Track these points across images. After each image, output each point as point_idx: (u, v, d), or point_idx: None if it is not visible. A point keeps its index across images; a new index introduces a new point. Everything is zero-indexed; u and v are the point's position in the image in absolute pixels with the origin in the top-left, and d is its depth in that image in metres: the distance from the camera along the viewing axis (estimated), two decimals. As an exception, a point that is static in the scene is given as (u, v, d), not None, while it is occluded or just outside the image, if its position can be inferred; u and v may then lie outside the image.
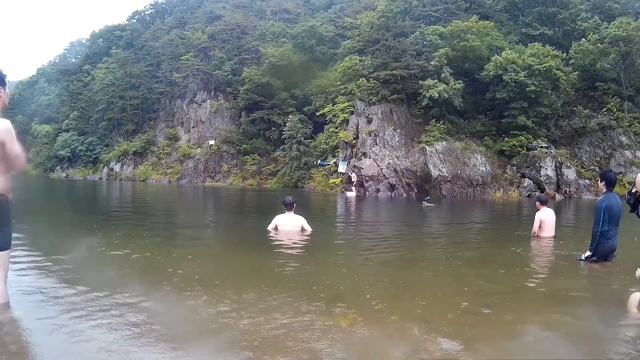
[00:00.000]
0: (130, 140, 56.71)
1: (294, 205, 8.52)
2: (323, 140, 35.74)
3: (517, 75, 27.50)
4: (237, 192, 30.71)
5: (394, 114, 31.89)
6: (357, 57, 34.33)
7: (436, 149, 28.73)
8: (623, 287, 4.61)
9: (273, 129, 44.37)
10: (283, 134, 39.87)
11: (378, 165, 29.23)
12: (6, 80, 3.50)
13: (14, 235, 3.56)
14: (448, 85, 28.99)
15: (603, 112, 30.37)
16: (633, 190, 4.11)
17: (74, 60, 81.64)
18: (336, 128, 34.19)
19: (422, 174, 28.36)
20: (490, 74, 28.77)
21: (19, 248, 5.94)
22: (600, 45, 28.76)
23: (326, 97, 37.25)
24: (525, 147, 29.23)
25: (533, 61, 27.88)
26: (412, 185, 28.52)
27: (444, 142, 29.27)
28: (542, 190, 26.98)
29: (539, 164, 28.26)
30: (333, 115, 34.63)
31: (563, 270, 5.99)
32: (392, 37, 33.77)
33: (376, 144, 30.43)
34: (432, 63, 30.67)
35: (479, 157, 29.10)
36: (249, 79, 45.30)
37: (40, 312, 3.59)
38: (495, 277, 5.46)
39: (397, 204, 21.84)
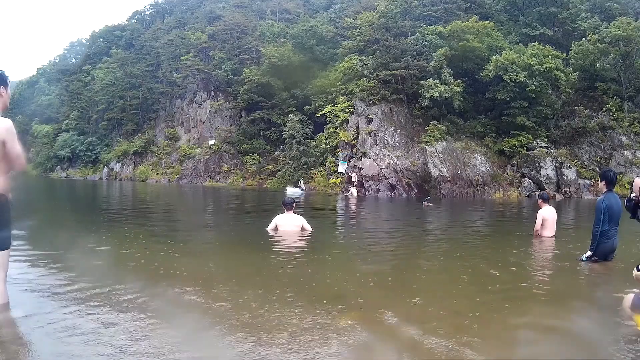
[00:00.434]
0: (130, 140, 56.71)
1: (294, 205, 8.52)
2: (323, 140, 35.74)
3: (517, 76, 27.50)
4: (237, 192, 30.71)
5: (394, 114, 31.89)
6: (357, 57, 34.33)
7: (436, 149, 28.73)
8: (622, 287, 4.60)
9: (273, 129, 44.37)
10: (283, 134, 39.87)
11: (378, 165, 29.23)
12: (8, 81, 3.50)
13: (13, 235, 3.55)
14: (449, 87, 28.99)
15: (603, 112, 30.36)
16: (632, 196, 4.10)
17: (74, 60, 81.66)
18: (336, 128, 34.18)
19: (422, 174, 28.36)
20: (490, 74, 28.77)
21: (19, 248, 5.94)
22: (600, 45, 28.75)
23: (326, 97, 37.26)
24: (525, 147, 29.23)
25: (533, 61, 27.88)
26: (412, 185, 28.52)
27: (444, 142, 29.28)
28: (542, 190, 26.97)
29: (539, 164, 28.26)
30: (333, 116, 34.63)
31: (562, 270, 5.99)
32: (392, 37, 33.78)
33: (376, 144, 30.44)
34: (431, 63, 30.67)
35: (479, 157, 29.11)
36: (249, 79, 45.31)
37: (41, 312, 3.59)
38: (494, 277, 5.46)
39: (397, 204, 21.84)
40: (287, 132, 39.02)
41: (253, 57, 49.23)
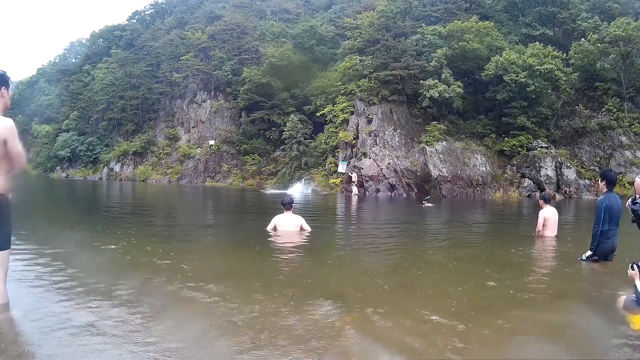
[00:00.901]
0: (130, 140, 56.69)
1: (293, 204, 8.53)
2: (323, 140, 35.73)
3: (517, 76, 27.50)
4: (237, 192, 30.70)
5: (394, 114, 31.89)
6: (357, 57, 34.30)
7: (436, 149, 28.73)
8: (621, 287, 4.60)
9: (273, 129, 44.35)
10: (283, 134, 39.86)
11: (378, 165, 29.23)
12: (9, 81, 3.51)
13: (13, 235, 3.55)
14: (449, 87, 28.99)
15: (603, 112, 30.35)
16: (637, 199, 4.06)
17: (74, 60, 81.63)
18: (336, 128, 34.17)
19: (422, 174, 28.36)
20: (491, 74, 28.76)
21: (19, 248, 5.94)
22: (600, 45, 28.75)
23: (326, 97, 37.24)
24: (525, 147, 29.23)
25: (534, 62, 27.87)
26: (412, 185, 28.52)
27: (444, 142, 29.27)
28: (542, 190, 26.97)
29: (539, 164, 28.26)
30: (333, 116, 34.62)
31: (563, 270, 5.99)
32: (392, 37, 33.77)
33: (376, 144, 30.43)
34: (432, 63, 30.66)
35: (479, 157, 29.11)
36: (249, 79, 45.29)
37: (41, 312, 3.59)
38: (494, 277, 5.46)
39: (397, 204, 21.84)
40: (287, 132, 39.01)
41: (253, 57, 49.21)
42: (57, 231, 8.85)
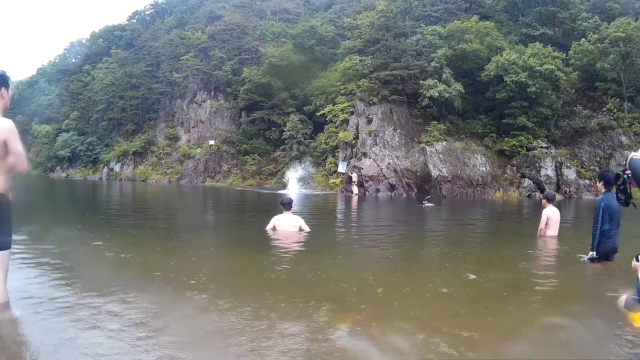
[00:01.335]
0: (130, 140, 56.70)
1: (292, 205, 8.52)
2: (323, 141, 35.74)
3: (517, 77, 27.50)
4: (237, 192, 30.71)
5: (394, 114, 31.89)
6: (357, 57, 34.32)
7: (436, 149, 28.73)
8: (622, 287, 4.60)
9: (273, 129, 44.36)
10: (283, 134, 39.87)
11: (378, 165, 29.23)
12: (10, 81, 3.50)
13: (14, 235, 3.55)
14: (449, 86, 28.99)
15: (603, 112, 30.36)
16: (625, 173, 3.99)
17: (74, 60, 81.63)
18: (336, 128, 34.18)
19: (422, 174, 28.36)
20: (491, 74, 28.76)
21: (19, 248, 5.94)
22: (600, 45, 28.75)
23: (326, 97, 37.26)
24: (525, 147, 29.23)
25: (534, 62, 27.86)
26: (412, 185, 28.52)
27: (444, 142, 29.27)
28: (542, 190, 26.97)
29: (539, 164, 28.26)
30: (333, 116, 34.63)
31: (563, 271, 5.99)
32: (392, 37, 33.77)
33: (376, 144, 30.43)
34: (432, 63, 30.66)
35: (479, 157, 29.11)
36: (249, 79, 45.31)
37: (41, 311, 3.59)
38: (494, 277, 5.46)
39: (397, 204, 21.84)
40: (287, 132, 39.02)
41: (253, 57, 49.21)
42: (57, 231, 8.85)
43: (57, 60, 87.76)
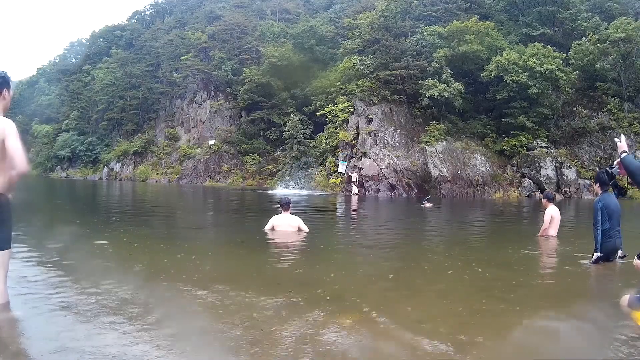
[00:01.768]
0: (130, 140, 56.72)
1: (290, 205, 8.51)
2: (323, 140, 35.74)
3: (518, 77, 27.50)
4: (237, 192, 30.71)
5: (394, 114, 31.89)
6: (357, 57, 34.33)
7: (436, 149, 28.73)
8: (623, 287, 4.61)
9: (273, 129, 44.38)
10: (283, 134, 39.88)
11: (378, 165, 29.23)
12: (10, 82, 3.49)
13: (14, 235, 3.55)
14: (449, 86, 28.98)
15: (603, 112, 30.36)
16: (615, 165, 4.00)
17: (74, 60, 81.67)
18: (336, 128, 34.18)
19: (422, 174, 28.36)
20: (491, 74, 28.76)
21: (20, 248, 5.94)
22: (600, 45, 28.75)
23: (326, 97, 37.26)
24: (525, 147, 29.24)
25: (534, 62, 27.86)
26: (412, 185, 28.52)
27: (444, 142, 29.27)
28: (542, 190, 26.97)
29: (539, 164, 28.26)
30: (333, 116, 34.63)
31: (564, 270, 5.98)
32: (392, 37, 33.77)
33: (376, 144, 30.43)
34: (432, 64, 30.66)
35: (479, 157, 29.11)
36: (249, 79, 45.32)
37: (41, 311, 3.59)
38: (494, 277, 5.46)
39: (397, 204, 21.84)
40: (288, 132, 39.02)
41: (253, 57, 49.22)
42: (57, 230, 8.84)
43: (57, 60, 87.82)
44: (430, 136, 29.56)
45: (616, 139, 4.01)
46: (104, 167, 57.35)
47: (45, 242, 7.10)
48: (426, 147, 28.79)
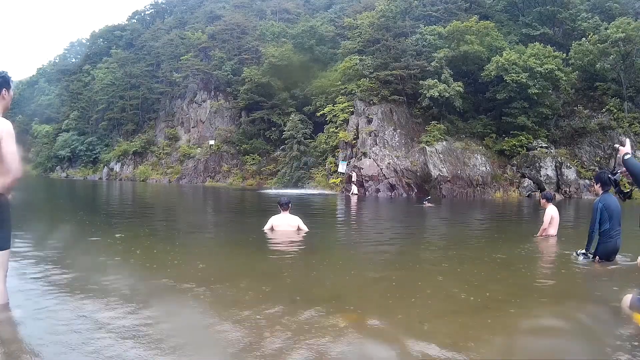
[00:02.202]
0: (130, 140, 56.74)
1: (290, 205, 8.51)
2: (323, 140, 35.75)
3: (518, 77, 27.49)
4: (237, 192, 30.71)
5: (394, 114, 31.88)
6: (357, 57, 34.35)
7: (436, 149, 28.72)
8: (623, 287, 4.60)
9: (273, 129, 44.38)
10: (283, 134, 39.89)
11: (378, 165, 29.22)
12: (11, 82, 3.47)
13: (13, 235, 3.55)
14: (449, 86, 28.98)
15: (603, 112, 30.35)
16: (624, 157, 4.01)
17: (74, 60, 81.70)
18: (336, 128, 34.19)
19: (422, 174, 28.35)
20: (491, 74, 28.75)
21: (19, 248, 5.94)
22: (600, 45, 28.74)
23: (326, 97, 37.27)
24: (525, 147, 29.23)
25: (534, 62, 27.86)
26: (412, 185, 28.51)
27: (444, 142, 29.27)
28: (542, 190, 26.97)
29: (539, 164, 28.26)
30: (333, 115, 34.63)
31: (563, 271, 5.98)
32: (392, 37, 33.77)
33: (376, 144, 30.43)
34: (432, 64, 30.66)
35: (479, 157, 29.10)
36: (249, 79, 45.33)
37: (41, 312, 3.59)
38: (494, 277, 5.46)
39: (397, 204, 21.83)
40: (287, 132, 39.03)
41: (253, 57, 49.24)
42: (57, 231, 8.84)
43: (57, 60, 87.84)
44: (430, 136, 29.55)
45: (619, 144, 4.02)
46: (104, 167, 57.37)
47: (45, 242, 7.10)
48: (426, 147, 28.79)
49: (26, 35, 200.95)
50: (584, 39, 30.21)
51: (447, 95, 28.79)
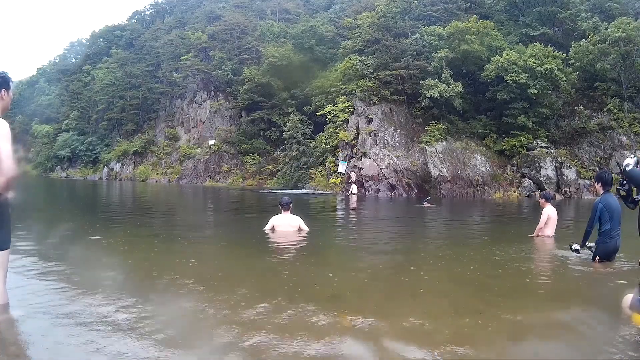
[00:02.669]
0: (130, 140, 56.72)
1: (291, 205, 8.51)
2: (323, 140, 35.74)
3: (518, 77, 27.48)
4: (237, 192, 30.71)
5: (394, 114, 31.88)
6: (357, 57, 34.33)
7: (436, 149, 28.72)
8: (623, 287, 4.60)
9: (273, 129, 44.38)
10: (283, 134, 39.88)
11: (378, 165, 29.22)
12: (10, 83, 3.45)
13: (13, 235, 3.55)
14: (449, 86, 28.98)
15: (603, 112, 30.34)
16: (626, 167, 4.06)
17: (74, 60, 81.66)
18: (336, 128, 34.18)
19: (422, 174, 28.35)
20: (491, 74, 28.75)
21: (19, 248, 5.94)
22: (600, 45, 28.73)
23: (326, 97, 37.26)
24: (525, 147, 29.22)
25: (534, 62, 27.85)
26: (412, 185, 28.51)
27: (444, 142, 29.26)
28: (543, 190, 26.96)
29: (539, 164, 28.25)
30: (333, 115, 34.63)
31: (563, 270, 5.99)
32: (392, 37, 33.77)
33: (376, 144, 30.42)
34: (432, 64, 30.66)
35: (479, 157, 29.10)
36: (249, 79, 45.31)
37: (40, 312, 3.59)
38: (493, 277, 5.46)
39: (397, 204, 21.84)
40: (287, 132, 39.02)
41: (253, 57, 49.23)
42: (57, 230, 8.85)
43: (57, 60, 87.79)
44: (430, 136, 29.55)
45: (627, 159, 4.14)
46: (104, 167, 57.36)
47: (45, 242, 7.11)
48: (426, 147, 28.79)
49: (26, 35, 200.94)
50: (584, 39, 30.21)
51: (447, 95, 28.77)
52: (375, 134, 30.76)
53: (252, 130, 46.83)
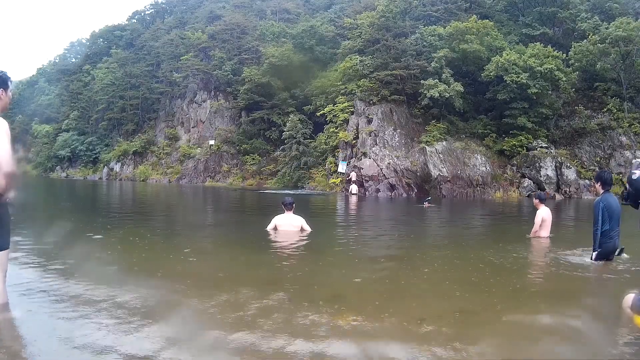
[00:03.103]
0: (130, 140, 56.70)
1: (293, 205, 8.52)
2: (323, 140, 35.73)
3: (518, 77, 27.48)
4: (237, 192, 30.71)
5: (394, 114, 31.87)
6: (357, 57, 34.31)
7: (436, 149, 28.72)
8: (623, 287, 4.60)
9: (273, 129, 44.36)
10: (283, 134, 39.88)
11: (378, 165, 29.22)
12: (9, 82, 3.45)
13: (12, 235, 3.55)
14: (449, 86, 28.97)
15: (603, 112, 30.34)
16: (632, 175, 4.06)
17: (74, 60, 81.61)
18: (336, 128, 34.16)
19: (422, 174, 28.35)
20: (491, 74, 28.74)
21: (19, 248, 5.94)
22: (600, 45, 28.72)
23: (326, 97, 37.25)
24: (525, 147, 29.21)
25: (534, 62, 27.83)
26: (412, 185, 28.51)
27: (444, 142, 29.26)
28: (542, 190, 26.97)
29: (539, 164, 28.25)
30: (333, 115, 34.62)
31: (561, 271, 5.98)
32: (392, 37, 33.75)
33: (376, 144, 30.42)
34: (432, 64, 30.65)
35: (479, 157, 29.10)
36: (249, 79, 45.29)
37: (40, 312, 3.59)
38: (493, 277, 5.46)
39: (397, 204, 21.84)
40: (287, 132, 39.01)
41: (253, 57, 49.20)
42: (56, 230, 8.86)
43: (57, 60, 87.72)
44: (430, 136, 29.54)
45: (633, 164, 4.18)
46: (104, 167, 57.34)
47: (45, 242, 7.11)
48: (426, 147, 28.78)
49: (26, 35, 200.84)
50: (585, 40, 30.20)
51: (447, 95, 28.77)
52: (375, 134, 30.76)
53: (252, 130, 46.81)
